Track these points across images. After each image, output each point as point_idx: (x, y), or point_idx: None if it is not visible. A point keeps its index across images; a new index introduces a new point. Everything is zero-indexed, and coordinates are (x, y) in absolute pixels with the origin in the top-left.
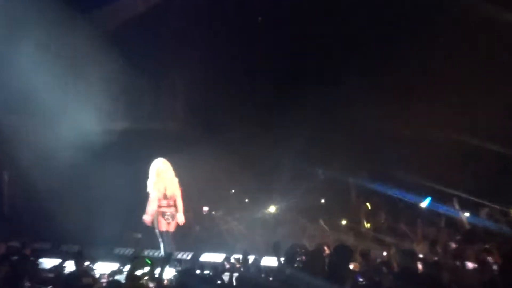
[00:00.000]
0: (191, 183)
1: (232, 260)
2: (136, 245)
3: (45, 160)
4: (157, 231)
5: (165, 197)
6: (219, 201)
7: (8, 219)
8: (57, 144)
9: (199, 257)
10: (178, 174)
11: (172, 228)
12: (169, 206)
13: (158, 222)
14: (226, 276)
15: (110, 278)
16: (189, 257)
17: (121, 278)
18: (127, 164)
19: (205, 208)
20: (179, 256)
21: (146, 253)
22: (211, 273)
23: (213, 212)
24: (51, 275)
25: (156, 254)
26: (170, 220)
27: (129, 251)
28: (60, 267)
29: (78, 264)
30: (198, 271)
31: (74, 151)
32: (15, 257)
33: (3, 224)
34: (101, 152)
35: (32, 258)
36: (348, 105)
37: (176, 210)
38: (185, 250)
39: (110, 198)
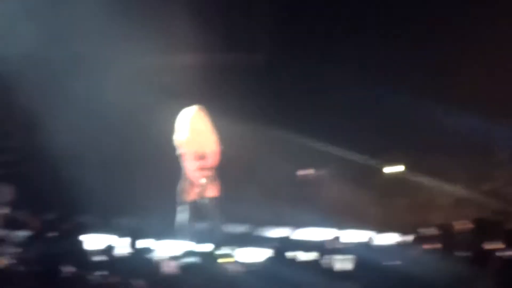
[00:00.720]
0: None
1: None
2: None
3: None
4: (181, 201)
5: (199, 157)
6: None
7: (43, 189)
8: (102, 106)
9: (290, 234)
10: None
11: (212, 193)
12: (203, 169)
13: (185, 190)
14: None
15: (181, 261)
16: (277, 233)
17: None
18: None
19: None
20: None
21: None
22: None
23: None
24: (101, 257)
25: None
26: (204, 187)
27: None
28: (113, 247)
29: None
30: (292, 253)
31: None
32: (52, 234)
33: (36, 194)
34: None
35: (74, 235)
36: None
37: (213, 175)
38: (266, 224)
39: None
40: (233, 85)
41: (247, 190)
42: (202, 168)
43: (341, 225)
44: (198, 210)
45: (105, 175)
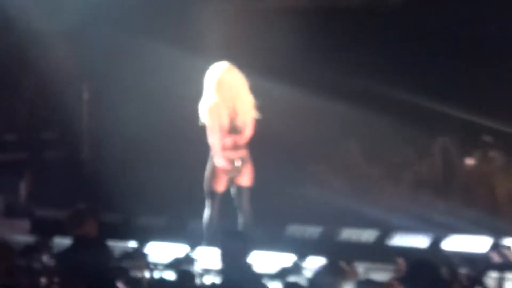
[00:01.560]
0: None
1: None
2: None
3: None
4: (209, 190)
5: (232, 130)
6: None
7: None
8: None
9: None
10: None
11: (245, 182)
12: (236, 147)
13: (214, 176)
14: None
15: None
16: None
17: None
18: None
19: None
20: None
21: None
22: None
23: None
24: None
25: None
26: (238, 171)
27: None
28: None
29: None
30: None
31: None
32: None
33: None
34: None
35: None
36: None
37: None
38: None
39: None
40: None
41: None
42: (235, 146)
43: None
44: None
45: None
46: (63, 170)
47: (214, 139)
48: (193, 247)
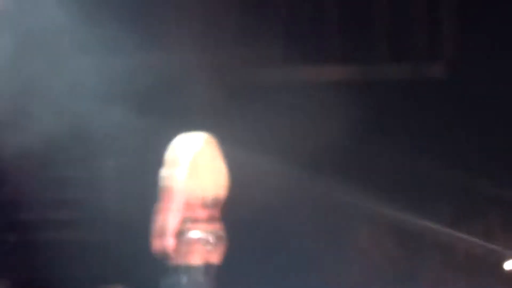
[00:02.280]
0: None
1: None
2: None
3: None
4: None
5: (205, 204)
6: None
7: None
8: None
9: None
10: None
11: (215, 259)
12: (210, 219)
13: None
14: None
15: None
16: None
17: None
18: None
19: None
20: None
21: None
22: None
23: None
24: None
25: None
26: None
27: None
28: None
29: None
30: None
31: None
32: None
33: None
34: None
35: None
36: None
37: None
38: None
39: None
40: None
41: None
42: (209, 219)
43: None
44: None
45: None
46: None
47: (184, 211)
48: None
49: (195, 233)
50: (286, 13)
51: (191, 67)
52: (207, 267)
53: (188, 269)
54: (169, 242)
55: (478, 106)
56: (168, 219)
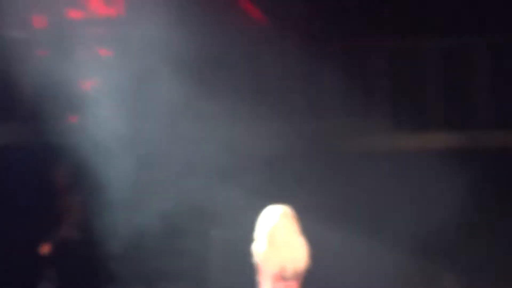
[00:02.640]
0: None
1: None
2: None
3: None
4: None
5: (283, 277)
6: None
7: None
8: None
9: None
10: None
11: None
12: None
13: None
14: None
15: None
16: None
17: None
18: None
19: None
20: None
21: None
22: None
23: None
24: None
25: None
26: None
27: None
28: None
29: None
30: None
31: None
32: None
33: None
34: None
35: None
36: None
37: None
38: None
39: None
40: None
41: None
42: None
43: None
44: None
45: None
46: None
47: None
48: None
49: None
50: (391, 82)
51: (304, 135)
52: None
53: None
54: None
55: None
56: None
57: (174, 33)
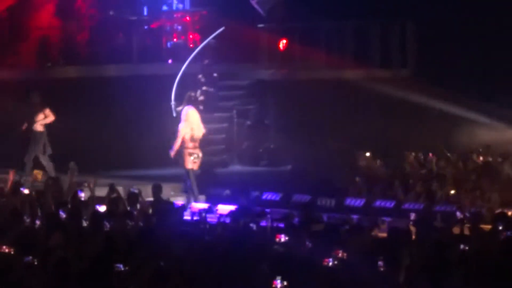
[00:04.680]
0: None
1: None
2: None
3: None
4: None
5: (192, 139)
6: None
7: None
8: None
9: None
10: None
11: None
12: (195, 147)
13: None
14: None
15: None
16: None
17: None
18: None
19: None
20: None
21: None
22: None
23: None
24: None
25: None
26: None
27: None
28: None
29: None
30: None
31: None
32: None
33: None
34: None
35: None
36: None
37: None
38: None
39: None
40: None
41: None
42: (194, 147)
43: None
44: None
45: None
46: None
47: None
48: None
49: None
50: None
51: None
52: (194, 171)
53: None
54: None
55: None
56: (176, 144)
57: None
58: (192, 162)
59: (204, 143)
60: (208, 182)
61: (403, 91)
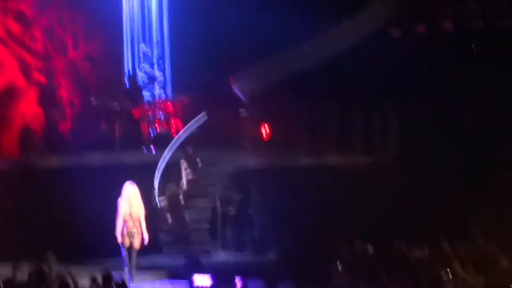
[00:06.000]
0: None
1: None
2: None
3: None
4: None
5: (129, 217)
6: None
7: None
8: None
9: None
10: None
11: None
12: (133, 226)
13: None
14: None
15: None
16: None
17: None
18: None
19: None
20: None
21: None
22: None
23: None
24: None
25: None
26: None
27: None
28: None
29: None
30: None
31: None
32: None
33: None
34: None
35: None
36: None
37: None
38: None
39: None
40: None
41: None
42: (132, 226)
43: None
44: None
45: None
46: None
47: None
48: None
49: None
50: None
51: None
52: (132, 248)
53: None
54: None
55: None
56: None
57: None
58: (128, 239)
59: (188, 231)
60: (192, 270)
61: (387, 176)
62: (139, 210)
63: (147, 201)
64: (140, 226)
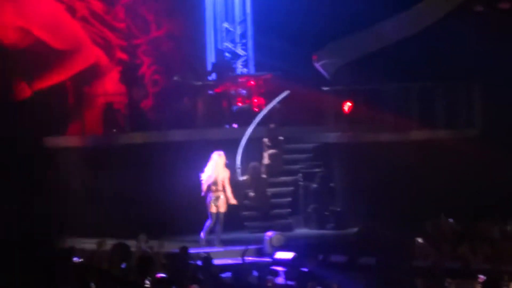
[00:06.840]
0: None
1: None
2: None
3: None
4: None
5: (214, 183)
6: None
7: None
8: None
9: None
10: None
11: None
12: (217, 190)
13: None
14: None
15: None
16: None
17: None
18: None
19: None
20: None
21: None
22: None
23: None
24: None
25: None
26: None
27: None
28: None
29: None
30: None
31: None
32: None
33: None
34: None
35: None
36: None
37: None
38: None
39: None
40: None
41: None
42: (216, 190)
43: None
44: None
45: None
46: None
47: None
48: None
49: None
50: None
51: None
52: (219, 212)
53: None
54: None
55: None
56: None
57: None
58: (213, 205)
59: (270, 207)
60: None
61: (470, 152)
62: (224, 173)
63: (230, 177)
64: (225, 189)
